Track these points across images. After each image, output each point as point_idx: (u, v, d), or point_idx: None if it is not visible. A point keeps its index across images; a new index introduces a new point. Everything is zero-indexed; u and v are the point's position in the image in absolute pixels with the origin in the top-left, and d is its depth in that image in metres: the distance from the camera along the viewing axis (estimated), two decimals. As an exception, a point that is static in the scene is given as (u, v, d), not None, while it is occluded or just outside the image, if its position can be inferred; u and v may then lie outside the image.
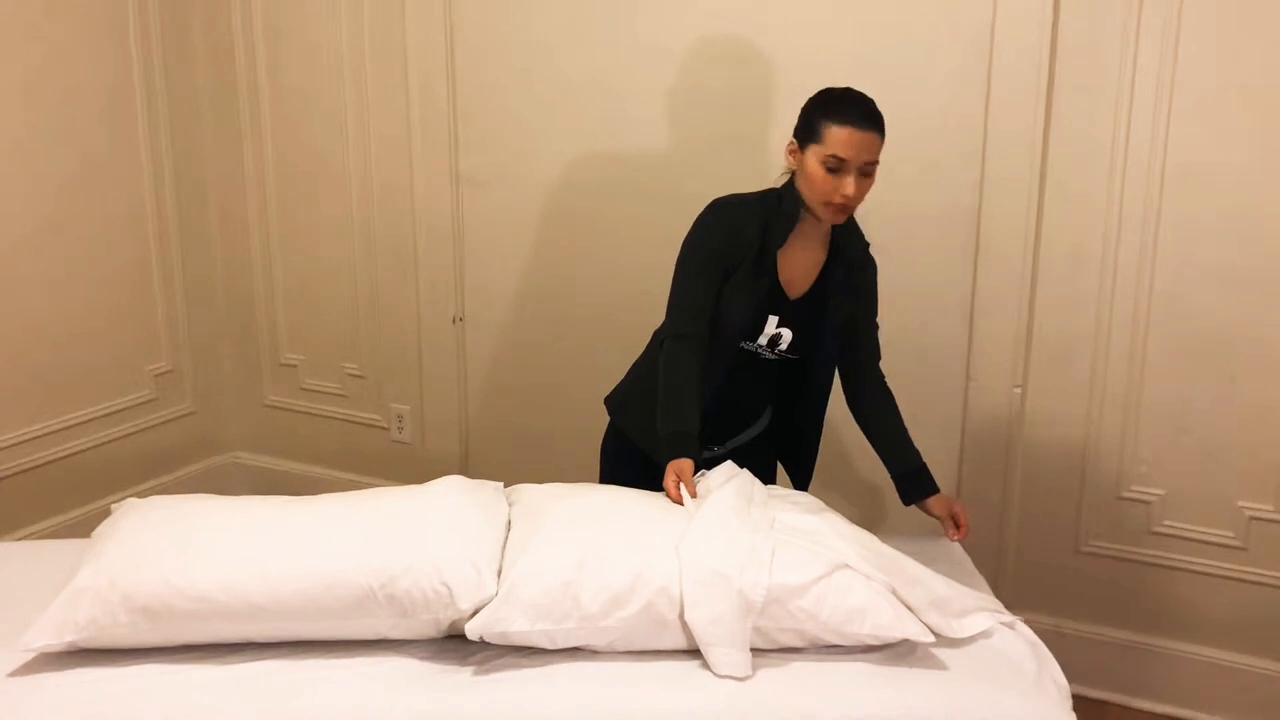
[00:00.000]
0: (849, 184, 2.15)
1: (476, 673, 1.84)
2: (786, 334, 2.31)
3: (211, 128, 3.67)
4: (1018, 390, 2.79)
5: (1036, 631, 2.03)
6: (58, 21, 3.21)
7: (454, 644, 1.90)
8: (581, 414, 2.65)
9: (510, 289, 3.37)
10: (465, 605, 1.84)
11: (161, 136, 3.53)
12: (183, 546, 1.93)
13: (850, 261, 2.33)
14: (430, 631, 1.90)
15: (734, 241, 2.25)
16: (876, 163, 2.18)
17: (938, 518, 2.37)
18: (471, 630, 1.84)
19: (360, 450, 3.72)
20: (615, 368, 2.55)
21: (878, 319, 2.43)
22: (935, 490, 2.37)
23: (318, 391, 3.76)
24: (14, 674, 1.82)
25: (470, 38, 3.23)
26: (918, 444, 2.38)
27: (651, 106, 3.03)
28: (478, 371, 3.49)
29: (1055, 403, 2.80)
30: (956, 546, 2.37)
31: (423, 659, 1.88)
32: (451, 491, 2.12)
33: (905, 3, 2.72)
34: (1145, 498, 2.78)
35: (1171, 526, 2.76)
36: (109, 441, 3.50)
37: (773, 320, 2.30)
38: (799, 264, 2.31)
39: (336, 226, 3.59)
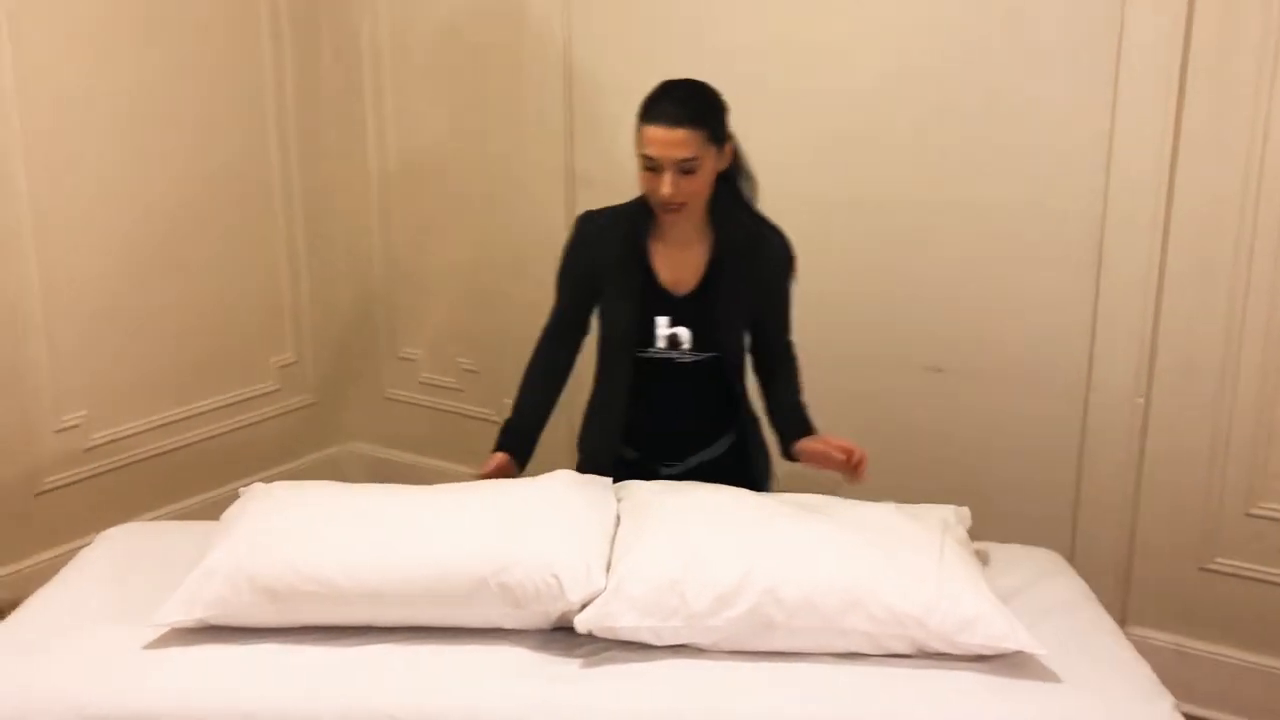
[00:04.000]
0: (665, 183, 2.12)
1: (584, 665, 1.87)
2: (684, 332, 2.28)
3: (336, 127, 3.77)
4: (1140, 401, 2.71)
5: (1155, 649, 1.97)
6: (196, 27, 3.34)
7: (562, 636, 1.93)
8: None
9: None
10: (574, 598, 1.87)
11: (290, 135, 3.65)
12: (306, 531, 2.00)
13: (737, 249, 2.28)
14: (540, 623, 1.93)
15: (589, 252, 2.30)
16: (696, 158, 2.10)
17: (821, 462, 2.22)
18: (580, 623, 1.87)
19: (473, 443, 3.77)
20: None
21: (790, 335, 2.35)
22: (812, 431, 2.29)
23: (434, 385, 3.84)
24: (148, 647, 1.91)
25: (590, 35, 3.26)
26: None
27: (769, 107, 3.01)
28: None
29: (1181, 414, 2.69)
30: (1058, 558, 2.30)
31: (532, 649, 1.91)
32: (562, 486, 2.15)
33: None
34: (1278, 515, 2.66)
35: (1305, 546, 2.65)
36: (236, 429, 3.64)
37: (662, 321, 2.27)
38: (677, 261, 2.28)
39: (453, 223, 3.66)
